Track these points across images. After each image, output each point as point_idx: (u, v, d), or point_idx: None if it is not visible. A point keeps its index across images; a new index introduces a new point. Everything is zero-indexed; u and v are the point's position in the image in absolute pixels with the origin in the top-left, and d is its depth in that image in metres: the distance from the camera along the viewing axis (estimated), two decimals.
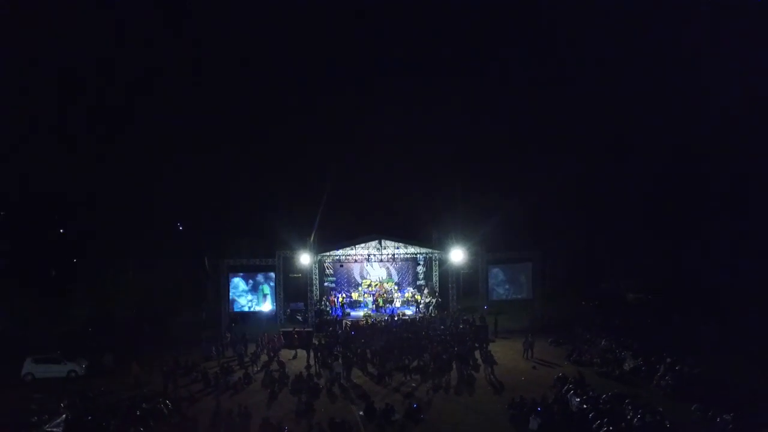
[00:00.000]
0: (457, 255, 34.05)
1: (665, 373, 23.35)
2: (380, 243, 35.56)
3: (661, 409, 19.24)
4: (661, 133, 47.76)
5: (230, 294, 34.21)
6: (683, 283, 41.00)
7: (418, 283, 39.55)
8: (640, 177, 48.18)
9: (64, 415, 18.89)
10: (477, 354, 27.46)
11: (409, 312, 35.73)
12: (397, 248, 36.53)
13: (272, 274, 34.08)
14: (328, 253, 36.38)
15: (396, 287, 38.83)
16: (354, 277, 39.39)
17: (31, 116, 42.67)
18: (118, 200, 43.33)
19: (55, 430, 18.08)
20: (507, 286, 35.29)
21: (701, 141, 45.37)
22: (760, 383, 22.57)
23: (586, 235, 46.11)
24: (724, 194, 45.39)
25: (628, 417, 18.65)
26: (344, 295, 37.42)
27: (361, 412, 20.65)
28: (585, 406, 19.66)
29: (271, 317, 34.51)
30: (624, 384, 23.65)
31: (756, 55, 41.96)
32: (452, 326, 31.70)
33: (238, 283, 34.45)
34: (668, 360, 24.50)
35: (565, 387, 21.92)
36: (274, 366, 26.44)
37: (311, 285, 34.75)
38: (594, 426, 18.06)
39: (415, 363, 26.26)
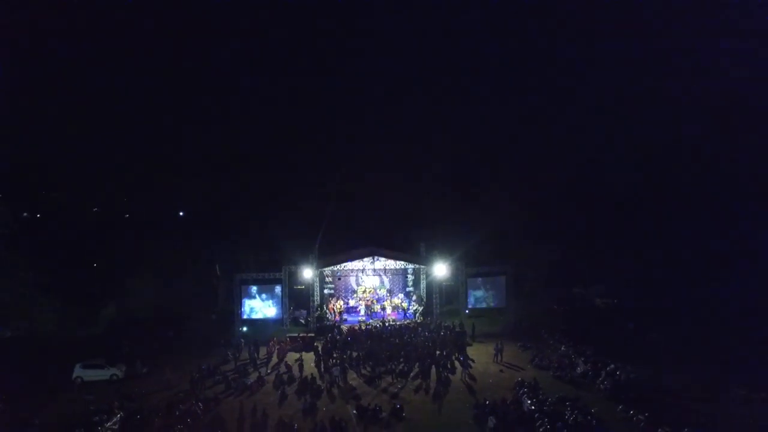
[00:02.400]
0: (441, 269, 38.97)
1: (605, 378, 28.24)
2: (373, 258, 40.37)
3: (593, 410, 24.12)
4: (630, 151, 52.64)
5: (242, 302, 38.84)
6: (644, 291, 45.68)
7: (408, 289, 44.32)
8: (611, 192, 53.10)
9: (119, 415, 23.75)
10: (456, 356, 32.44)
11: (398, 316, 40.62)
12: (388, 262, 41.43)
13: (279, 286, 38.71)
14: (327, 268, 41.24)
15: (388, 294, 43.65)
16: (351, 285, 44.18)
17: (62, 132, 47.11)
18: (139, 214, 48.02)
19: (113, 427, 22.88)
20: (484, 296, 39.99)
21: (666, 162, 50.25)
22: (684, 387, 27.51)
23: (560, 245, 50.85)
24: (690, 212, 50.50)
25: (566, 416, 23.53)
26: (342, 302, 42.19)
27: (354, 411, 25.48)
28: (533, 407, 24.54)
29: (277, 322, 39.18)
30: (573, 387, 28.44)
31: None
32: (435, 331, 36.51)
33: (250, 293, 39.06)
34: (611, 366, 29.41)
35: (521, 390, 26.80)
36: (283, 368, 31.29)
37: (313, 295, 39.50)
38: (537, 424, 22.94)
39: (401, 366, 31.18)
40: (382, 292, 43.64)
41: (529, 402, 25.19)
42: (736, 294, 40.04)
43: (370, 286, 43.87)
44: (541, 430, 22.43)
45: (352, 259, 40.99)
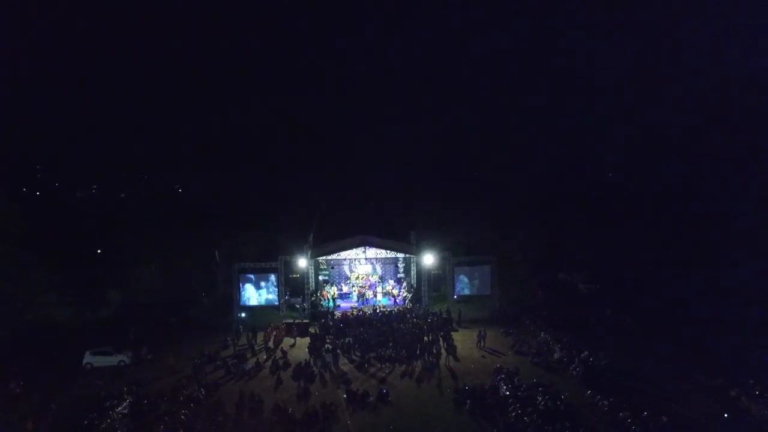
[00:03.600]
0: (429, 259, 40.97)
1: (578, 365, 30.32)
2: (365, 248, 42.34)
3: (563, 396, 26.20)
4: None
5: (240, 290, 40.72)
6: (626, 276, 47.49)
7: (399, 275, 46.34)
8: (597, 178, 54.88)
9: (128, 400, 25.86)
10: (442, 342, 34.41)
11: (388, 302, 42.72)
12: (379, 253, 43.51)
13: (275, 274, 40.55)
14: (322, 258, 43.25)
15: (380, 280, 45.71)
16: (344, 272, 46.20)
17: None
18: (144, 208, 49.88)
19: (123, 411, 25.00)
20: (470, 284, 41.87)
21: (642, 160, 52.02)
22: (651, 374, 29.47)
23: (548, 233, 52.89)
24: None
25: (537, 401, 25.58)
26: (336, 289, 44.22)
27: (344, 396, 27.56)
28: (508, 392, 26.63)
29: (274, 308, 41.16)
30: (549, 372, 30.46)
31: None
32: (423, 317, 38.50)
33: (248, 281, 40.89)
34: (584, 353, 31.45)
35: (499, 376, 28.84)
36: (279, 354, 33.39)
37: (308, 283, 41.48)
38: (510, 409, 25.01)
39: (389, 352, 33.17)
40: (374, 279, 45.66)
41: (504, 388, 27.27)
42: (717, 283, 41.85)
43: (363, 272, 45.87)
44: (513, 414, 24.48)
45: (344, 248, 42.92)
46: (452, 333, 36.63)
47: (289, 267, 41.16)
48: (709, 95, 52.05)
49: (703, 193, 51.62)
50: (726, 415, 24.50)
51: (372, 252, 43.70)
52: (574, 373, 29.86)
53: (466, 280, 41.59)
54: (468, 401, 26.18)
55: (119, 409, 24.97)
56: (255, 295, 41.00)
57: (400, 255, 44.83)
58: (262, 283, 40.66)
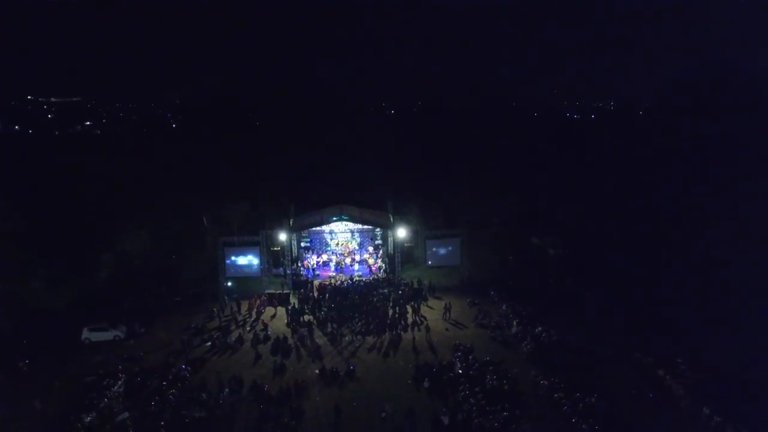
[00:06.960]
0: (401, 232, 43.30)
1: (530, 341, 33.20)
2: (341, 215, 44.68)
3: (509, 375, 29.15)
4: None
5: (225, 261, 43.12)
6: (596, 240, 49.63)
7: (376, 242, 48.82)
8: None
9: (123, 377, 28.99)
10: (411, 314, 37.29)
11: (364, 271, 45.49)
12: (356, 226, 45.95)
13: (258, 247, 42.82)
14: (301, 232, 45.63)
15: (357, 247, 48.34)
16: (325, 239, 48.69)
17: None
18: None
19: (119, 390, 28.18)
20: (441, 255, 44.24)
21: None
22: (595, 351, 32.15)
23: (520, 195, 54.91)
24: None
25: (485, 380, 28.57)
26: (315, 258, 46.85)
27: (317, 371, 30.63)
28: (461, 370, 29.65)
29: (258, 278, 43.74)
30: (504, 347, 33.21)
31: None
32: (395, 289, 41.27)
33: (232, 253, 43.21)
34: (538, 329, 34.28)
35: (456, 354, 31.79)
36: (260, 326, 36.35)
37: (289, 255, 43.93)
38: (460, 388, 28.00)
39: (360, 324, 36.04)
40: (353, 246, 48.26)
41: (459, 365, 30.24)
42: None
43: (342, 240, 48.39)
44: (461, 394, 27.50)
45: (323, 220, 45.27)
46: (422, 303, 39.54)
47: (270, 240, 43.42)
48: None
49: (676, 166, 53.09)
50: (650, 395, 27.49)
51: (351, 225, 46.07)
52: (526, 349, 32.65)
53: (437, 251, 43.90)
54: (426, 378, 29.12)
55: (115, 387, 27.98)
56: (239, 265, 43.26)
57: (377, 228, 47.16)
58: (245, 255, 42.93)
